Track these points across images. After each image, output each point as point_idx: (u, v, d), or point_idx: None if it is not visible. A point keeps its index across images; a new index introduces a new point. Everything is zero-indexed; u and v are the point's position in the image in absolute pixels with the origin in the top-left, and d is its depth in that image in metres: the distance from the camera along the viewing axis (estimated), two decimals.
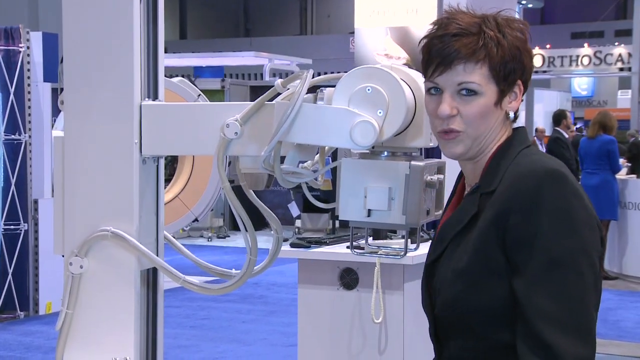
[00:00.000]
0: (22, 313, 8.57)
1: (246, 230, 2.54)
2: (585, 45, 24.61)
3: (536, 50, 22.79)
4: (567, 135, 11.60)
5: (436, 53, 1.75)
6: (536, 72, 22.30)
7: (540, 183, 1.66)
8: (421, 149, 2.21)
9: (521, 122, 1.99)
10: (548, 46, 24.09)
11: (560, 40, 25.96)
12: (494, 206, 1.69)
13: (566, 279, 1.62)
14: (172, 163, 9.27)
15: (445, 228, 1.81)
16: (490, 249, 1.68)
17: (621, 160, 11.04)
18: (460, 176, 1.95)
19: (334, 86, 2.10)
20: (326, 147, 2.28)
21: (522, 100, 1.81)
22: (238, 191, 2.54)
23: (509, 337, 1.67)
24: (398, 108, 1.96)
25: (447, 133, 1.78)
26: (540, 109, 21.02)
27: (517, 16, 1.91)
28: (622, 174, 10.80)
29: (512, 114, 1.79)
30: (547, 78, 24.92)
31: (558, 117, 11.84)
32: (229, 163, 3.73)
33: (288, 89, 2.21)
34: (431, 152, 4.45)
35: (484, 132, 1.76)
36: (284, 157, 2.39)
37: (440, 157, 2.08)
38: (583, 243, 1.65)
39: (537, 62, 22.99)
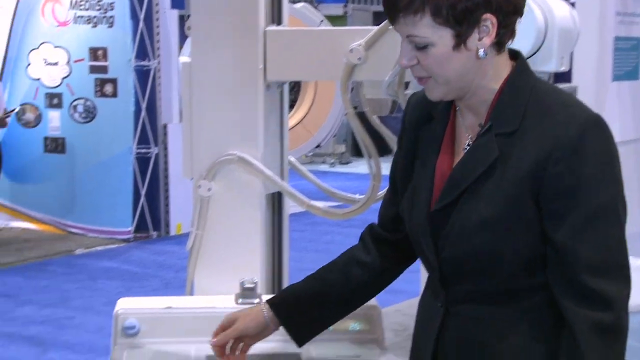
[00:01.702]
0: (154, 233, 8.93)
1: (369, 157, 2.53)
2: None
3: None
4: None
5: (384, 3, 1.66)
6: None
7: (583, 131, 1.58)
8: (551, 73, 2.14)
9: None
10: None
11: None
12: (528, 154, 1.61)
13: (608, 227, 1.61)
14: (295, 89, 9.33)
15: (459, 173, 1.68)
16: (523, 199, 1.62)
17: None
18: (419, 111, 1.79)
19: None
20: None
21: (507, 31, 1.62)
22: (361, 117, 2.53)
23: (528, 280, 1.66)
24: (527, 30, 1.90)
25: (419, 79, 1.70)
26: None
27: None
28: None
29: (482, 52, 1.63)
30: None
31: None
32: (352, 89, 3.72)
33: None
34: (561, 77, 4.30)
35: (454, 75, 1.63)
36: (408, 82, 2.36)
37: (570, 82, 2.01)
38: (621, 188, 1.63)
39: None
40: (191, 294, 2.78)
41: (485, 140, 1.66)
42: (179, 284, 6.77)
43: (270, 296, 1.93)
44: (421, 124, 1.79)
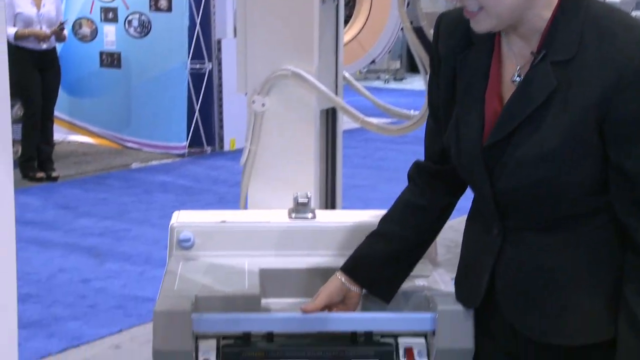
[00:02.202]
0: (208, 148, 9.01)
1: (425, 72, 2.49)
2: None
3: None
4: None
5: None
6: None
7: None
8: None
9: None
10: None
11: None
12: (590, 82, 1.55)
13: None
14: (350, 3, 9.20)
15: (515, 105, 1.63)
16: (587, 128, 1.57)
17: None
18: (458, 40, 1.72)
19: None
20: None
21: None
22: (418, 32, 2.48)
23: (588, 204, 1.64)
24: None
25: (468, 13, 1.63)
26: None
27: None
28: None
29: None
30: None
31: None
32: (409, 3, 3.65)
33: None
34: None
35: (507, 7, 1.57)
36: None
37: None
38: None
39: None
40: (245, 208, 2.81)
41: (540, 69, 1.61)
42: (232, 199, 6.85)
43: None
44: (459, 50, 1.73)
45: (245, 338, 1.85)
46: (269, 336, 1.86)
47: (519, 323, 1.72)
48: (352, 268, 1.88)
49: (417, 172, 1.90)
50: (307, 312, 1.84)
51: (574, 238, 1.66)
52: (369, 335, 1.87)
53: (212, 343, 1.86)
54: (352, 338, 1.87)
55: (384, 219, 1.92)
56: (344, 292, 1.87)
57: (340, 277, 1.87)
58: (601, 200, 1.64)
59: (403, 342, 1.88)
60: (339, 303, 1.87)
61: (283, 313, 1.84)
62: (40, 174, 7.61)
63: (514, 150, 1.64)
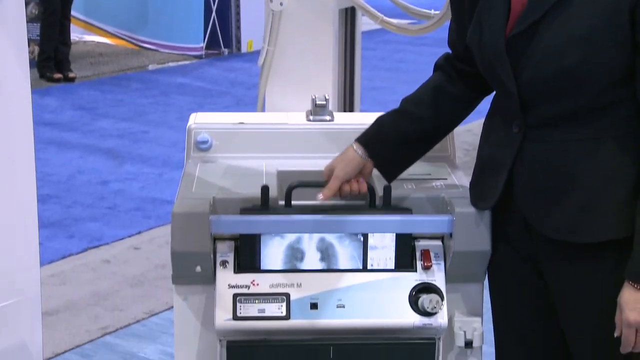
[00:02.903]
0: (225, 50, 8.94)
1: None
2: None
3: None
4: None
5: None
6: None
7: None
8: None
9: None
10: None
11: None
12: None
13: None
14: None
15: None
16: (618, 16, 1.55)
17: None
18: None
19: None
20: None
21: None
22: None
23: (614, 95, 1.61)
24: None
25: None
26: None
27: None
28: None
29: None
30: None
31: None
32: None
33: None
34: None
35: None
36: None
37: None
38: None
39: None
40: (262, 110, 2.80)
41: None
42: (250, 101, 6.84)
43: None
44: None
45: (264, 203, 1.84)
46: (287, 204, 1.86)
47: (537, 221, 1.72)
48: (369, 141, 1.87)
49: (447, 62, 1.88)
50: (325, 199, 1.84)
51: (597, 132, 1.65)
52: (387, 201, 1.86)
53: (230, 244, 1.88)
54: (371, 202, 1.87)
55: (408, 100, 1.90)
56: (360, 166, 1.86)
57: (357, 149, 1.86)
58: (626, 92, 1.62)
59: (420, 244, 1.89)
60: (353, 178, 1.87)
61: (300, 215, 1.85)
62: (58, 75, 7.60)
63: (541, 38, 1.62)
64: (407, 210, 1.87)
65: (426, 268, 1.87)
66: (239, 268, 1.86)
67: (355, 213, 1.86)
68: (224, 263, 1.86)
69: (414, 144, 1.88)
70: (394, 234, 1.87)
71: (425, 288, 1.86)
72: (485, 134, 1.84)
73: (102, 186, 5.12)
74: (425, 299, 1.84)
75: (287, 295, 1.84)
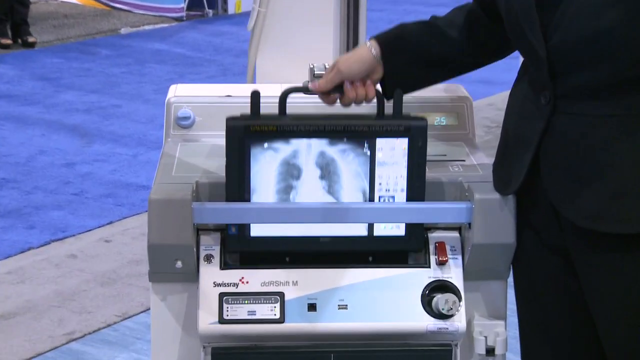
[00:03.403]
0: (210, 11, 8.95)
1: None
2: None
3: None
4: None
5: None
6: None
7: None
8: None
9: None
10: None
11: None
12: None
13: None
14: None
15: None
16: None
17: None
18: None
19: None
20: None
21: None
22: None
23: None
24: None
25: None
26: None
27: None
28: None
29: None
30: None
31: None
32: None
33: None
34: None
35: None
36: None
37: None
38: None
39: None
40: (253, 81, 2.80)
41: None
42: (238, 71, 6.85)
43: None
44: None
45: (254, 111, 1.85)
46: (282, 112, 1.86)
47: (565, 207, 1.73)
48: (388, 44, 1.88)
49: (479, 4, 1.91)
50: (318, 89, 1.85)
51: (635, 107, 1.66)
52: (398, 109, 1.87)
53: (216, 237, 1.89)
54: (379, 114, 1.87)
55: (438, 18, 1.91)
56: (370, 68, 1.87)
57: (372, 49, 1.87)
58: None
59: (434, 236, 1.90)
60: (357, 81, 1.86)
61: (298, 203, 1.85)
62: (7, 41, 7.58)
63: None
64: (421, 120, 1.87)
65: (441, 263, 1.89)
66: (226, 264, 1.87)
67: (361, 120, 1.85)
68: (208, 258, 1.87)
69: (432, 66, 1.90)
70: (406, 150, 1.85)
71: (440, 286, 1.87)
72: (510, 108, 1.86)
73: (67, 169, 5.13)
74: (440, 299, 1.85)
75: (282, 295, 1.86)
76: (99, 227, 4.42)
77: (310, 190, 1.86)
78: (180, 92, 2.16)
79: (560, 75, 1.69)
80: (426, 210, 1.88)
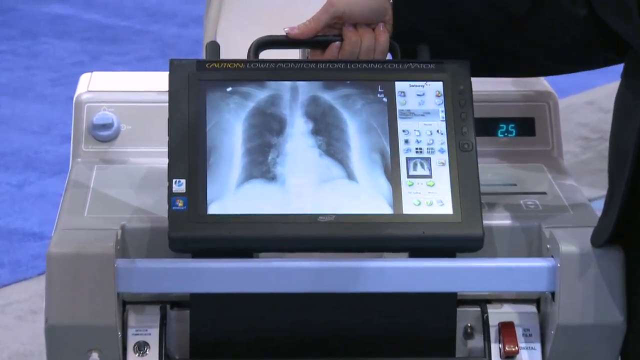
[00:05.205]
0: None
1: None
2: None
3: None
4: None
5: None
6: None
7: None
8: None
9: None
10: None
11: None
12: None
13: None
14: None
15: None
16: None
17: None
18: None
19: None
20: None
21: None
22: None
23: None
24: None
25: None
26: None
27: None
28: None
29: None
30: None
31: None
32: None
33: None
34: None
35: None
36: None
37: None
38: None
39: None
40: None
41: None
42: (185, 48, 6.88)
43: None
44: None
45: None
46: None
47: None
48: None
49: None
50: (297, 34, 1.95)
51: None
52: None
53: (153, 313, 1.92)
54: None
55: None
56: (378, 11, 1.98)
57: None
58: None
59: (496, 313, 1.93)
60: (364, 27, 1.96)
61: (280, 260, 1.87)
62: None
63: None
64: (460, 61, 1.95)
65: (508, 356, 1.92)
66: (168, 356, 1.91)
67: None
68: (141, 347, 1.91)
69: (454, 31, 1.99)
70: (441, 96, 1.94)
71: None
72: (617, 111, 1.91)
73: None
74: None
75: None
76: None
77: (297, 149, 1.91)
78: (96, 85, 2.19)
79: None
80: (477, 272, 1.90)
